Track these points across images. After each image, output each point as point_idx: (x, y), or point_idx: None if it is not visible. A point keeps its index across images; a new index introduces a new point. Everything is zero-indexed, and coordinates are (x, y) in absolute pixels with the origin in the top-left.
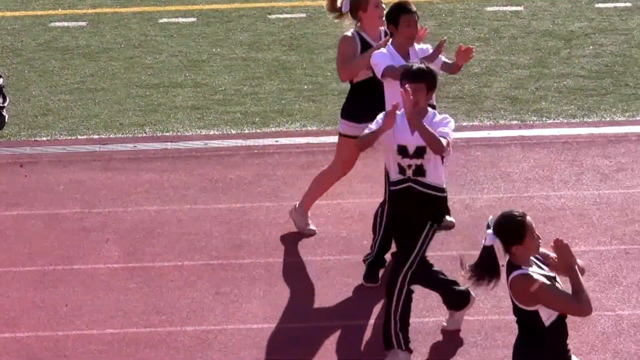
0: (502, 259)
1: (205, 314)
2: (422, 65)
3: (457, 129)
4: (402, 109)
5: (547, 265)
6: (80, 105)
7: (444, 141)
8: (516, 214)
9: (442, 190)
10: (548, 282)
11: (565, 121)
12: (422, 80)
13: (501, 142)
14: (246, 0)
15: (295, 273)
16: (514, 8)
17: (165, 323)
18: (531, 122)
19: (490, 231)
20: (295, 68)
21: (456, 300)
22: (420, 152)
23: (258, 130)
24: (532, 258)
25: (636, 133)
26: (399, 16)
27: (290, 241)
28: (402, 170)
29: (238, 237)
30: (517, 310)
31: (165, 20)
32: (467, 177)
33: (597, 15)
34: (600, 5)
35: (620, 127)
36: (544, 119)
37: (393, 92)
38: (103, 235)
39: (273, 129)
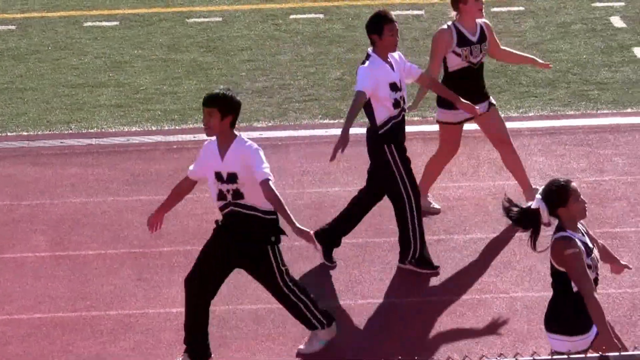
0: (546, 220)
1: (127, 299)
2: (219, 91)
3: (364, 125)
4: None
5: (590, 238)
6: (9, 104)
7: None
8: (561, 179)
9: (266, 212)
10: (583, 253)
11: None
12: (212, 106)
13: (408, 137)
14: (166, 5)
15: None
16: (415, 12)
17: (90, 308)
18: (431, 118)
19: (538, 196)
20: (212, 68)
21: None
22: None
23: (177, 127)
24: (579, 226)
25: (529, 128)
26: (384, 26)
27: (207, 230)
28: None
29: None
30: (552, 271)
31: (90, 24)
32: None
33: (493, 18)
34: (496, 9)
35: (514, 122)
36: None
37: (383, 102)
38: (32, 226)
39: (191, 126)
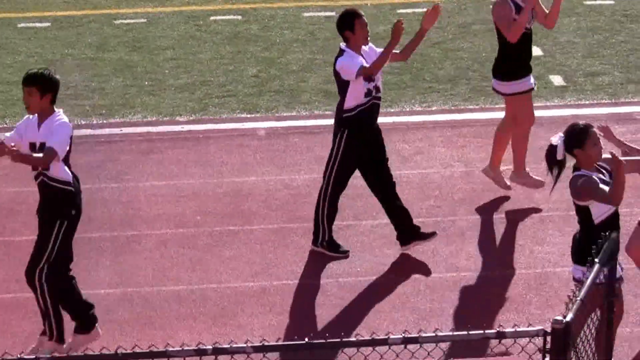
0: (560, 156)
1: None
2: (37, 71)
3: (279, 118)
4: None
5: (609, 172)
6: None
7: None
8: (581, 123)
9: (65, 183)
10: (594, 180)
11: None
12: (32, 85)
13: (316, 130)
14: (94, 7)
15: (136, 245)
16: (327, 13)
17: (24, 290)
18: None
19: (560, 134)
20: (137, 66)
21: (85, 323)
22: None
23: (104, 121)
24: (596, 165)
25: (432, 121)
26: (354, 21)
27: (132, 217)
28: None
29: (87, 214)
30: (575, 208)
31: (23, 25)
32: (287, 160)
33: (399, 19)
34: (401, 10)
35: (418, 116)
36: None
37: (357, 90)
38: None
39: (118, 120)
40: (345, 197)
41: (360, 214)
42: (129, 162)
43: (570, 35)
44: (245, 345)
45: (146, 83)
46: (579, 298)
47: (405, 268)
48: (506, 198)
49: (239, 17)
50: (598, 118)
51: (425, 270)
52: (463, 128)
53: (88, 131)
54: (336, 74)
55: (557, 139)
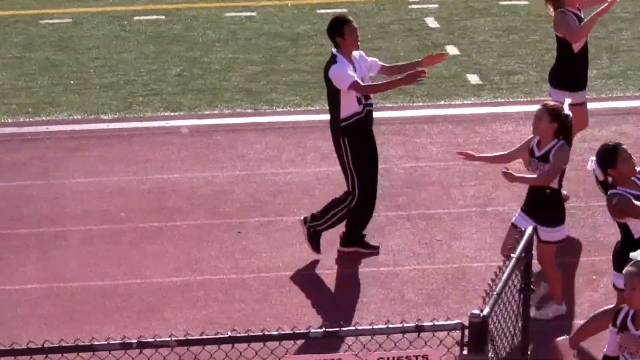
0: (601, 177)
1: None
2: None
3: (202, 117)
4: None
5: None
6: None
7: None
8: (610, 143)
9: None
10: (627, 198)
11: (292, 109)
12: None
13: (238, 128)
14: (21, 8)
15: (63, 241)
16: (248, 13)
17: None
18: (263, 110)
19: (593, 158)
20: (63, 66)
21: None
22: None
23: (31, 119)
24: (634, 179)
25: None
26: (343, 27)
27: (59, 214)
28: None
29: (14, 211)
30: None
31: None
32: (209, 157)
33: (319, 19)
34: (321, 10)
35: None
36: (274, 107)
37: (350, 98)
38: None
39: (44, 118)
40: (265, 194)
41: (281, 210)
42: (56, 159)
43: (486, 35)
44: (169, 339)
45: (72, 82)
46: (495, 292)
47: (326, 263)
48: (424, 194)
49: (163, 18)
50: (513, 116)
51: (345, 265)
52: (381, 125)
53: (15, 129)
54: (327, 81)
55: (590, 164)
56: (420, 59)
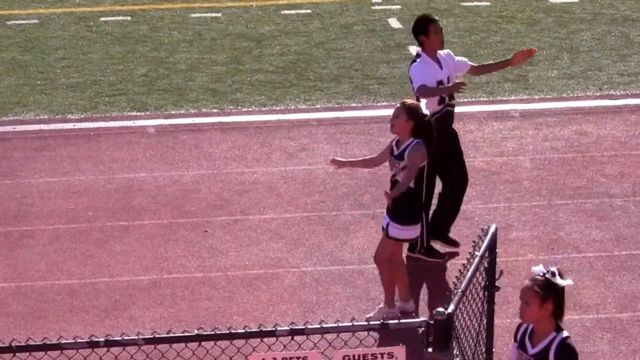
0: None
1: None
2: None
3: (168, 116)
4: None
5: None
6: None
7: None
8: None
9: None
10: None
11: (257, 109)
12: None
13: (204, 127)
14: None
15: (30, 240)
16: (213, 14)
17: None
18: (229, 110)
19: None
20: (30, 66)
21: None
22: None
23: None
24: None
25: (316, 119)
26: (428, 26)
27: (26, 213)
28: None
29: None
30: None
31: None
32: (175, 157)
33: (283, 20)
34: (286, 11)
35: (302, 114)
36: (239, 107)
37: (431, 102)
38: None
39: (11, 118)
40: (231, 193)
41: (247, 208)
42: (22, 159)
43: (449, 36)
44: (136, 337)
45: (38, 82)
46: (460, 290)
47: (291, 261)
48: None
49: (129, 18)
50: (476, 116)
51: (310, 263)
52: (346, 125)
53: None
54: (410, 79)
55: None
56: (510, 57)
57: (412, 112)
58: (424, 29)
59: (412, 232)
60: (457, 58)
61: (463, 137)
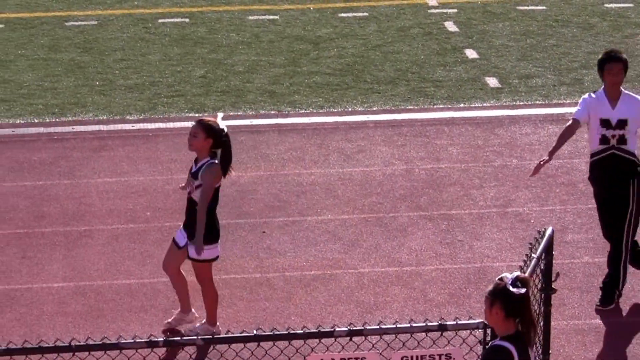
0: None
1: (13, 275)
2: None
3: (225, 118)
4: None
5: None
6: None
7: None
8: None
9: None
10: None
11: (315, 111)
12: None
13: (262, 129)
14: (46, 10)
15: (89, 240)
16: (271, 17)
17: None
18: (286, 111)
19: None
20: (88, 67)
21: None
22: None
23: (57, 119)
24: None
25: (373, 121)
26: (604, 65)
27: (85, 212)
28: None
29: (40, 209)
30: None
31: None
32: (233, 158)
33: (340, 22)
34: (343, 14)
35: (359, 116)
36: (297, 109)
37: (591, 134)
38: None
39: (70, 118)
40: (289, 194)
41: (304, 210)
42: (81, 159)
43: (505, 39)
44: (195, 337)
45: (97, 83)
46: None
47: (348, 262)
48: (445, 195)
49: (187, 20)
50: (531, 119)
51: (368, 264)
52: (403, 127)
53: (41, 129)
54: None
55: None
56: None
57: (209, 129)
58: (600, 67)
59: (211, 251)
60: None
61: (518, 140)
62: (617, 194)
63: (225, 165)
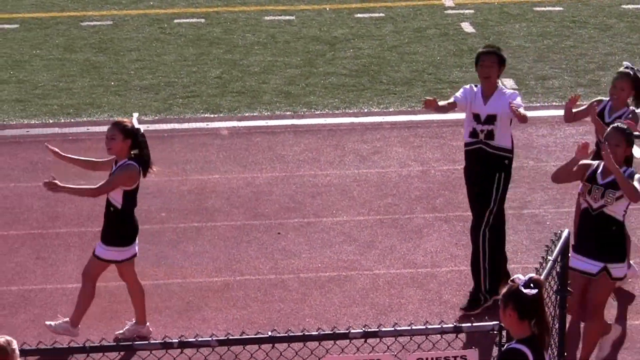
0: None
1: (27, 276)
2: None
3: (241, 118)
4: None
5: None
6: None
7: None
8: None
9: None
10: None
11: (330, 112)
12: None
13: (277, 130)
14: (61, 10)
15: None
16: (287, 17)
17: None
18: (302, 112)
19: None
20: (104, 67)
21: None
22: None
23: (72, 120)
24: None
25: (389, 122)
26: (478, 58)
27: (99, 213)
28: None
29: (55, 210)
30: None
31: None
32: (249, 159)
33: (356, 23)
34: (359, 15)
35: (375, 117)
36: (312, 110)
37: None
38: None
39: (85, 119)
40: (304, 195)
41: (320, 211)
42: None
43: (521, 40)
44: (210, 338)
45: (112, 83)
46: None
47: (363, 264)
48: (461, 197)
49: (202, 21)
50: (548, 120)
51: (383, 266)
52: (419, 129)
53: (56, 129)
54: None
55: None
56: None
57: (126, 130)
58: (476, 61)
59: (118, 254)
60: (517, 103)
61: (535, 141)
62: (480, 191)
63: (145, 164)
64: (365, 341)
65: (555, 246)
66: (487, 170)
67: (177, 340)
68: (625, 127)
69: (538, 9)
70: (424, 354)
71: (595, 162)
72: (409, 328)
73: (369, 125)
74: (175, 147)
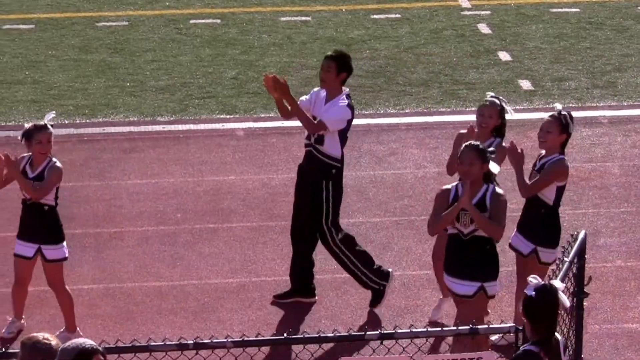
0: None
1: (43, 277)
2: None
3: (257, 119)
4: None
5: None
6: None
7: None
8: None
9: None
10: None
11: None
12: None
13: (293, 131)
14: (77, 10)
15: (119, 242)
16: (303, 18)
17: (9, 284)
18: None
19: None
20: (119, 68)
21: None
22: None
23: (87, 121)
24: None
25: (405, 123)
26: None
27: (115, 214)
28: None
29: (70, 211)
30: None
31: (7, 26)
32: (264, 160)
33: (373, 24)
34: (375, 16)
35: (391, 118)
36: None
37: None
38: None
39: (100, 120)
40: None
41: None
42: (111, 160)
43: (538, 42)
44: (225, 340)
45: (128, 84)
46: None
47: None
48: None
49: (218, 21)
50: None
51: (399, 267)
52: (435, 130)
53: (71, 130)
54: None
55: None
56: None
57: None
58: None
59: (66, 248)
60: (324, 106)
61: None
62: (303, 199)
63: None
64: (381, 343)
65: (572, 247)
66: (314, 177)
67: (192, 342)
68: (478, 143)
69: (555, 10)
70: (440, 356)
71: (452, 187)
72: (425, 330)
73: (385, 126)
74: (190, 148)
